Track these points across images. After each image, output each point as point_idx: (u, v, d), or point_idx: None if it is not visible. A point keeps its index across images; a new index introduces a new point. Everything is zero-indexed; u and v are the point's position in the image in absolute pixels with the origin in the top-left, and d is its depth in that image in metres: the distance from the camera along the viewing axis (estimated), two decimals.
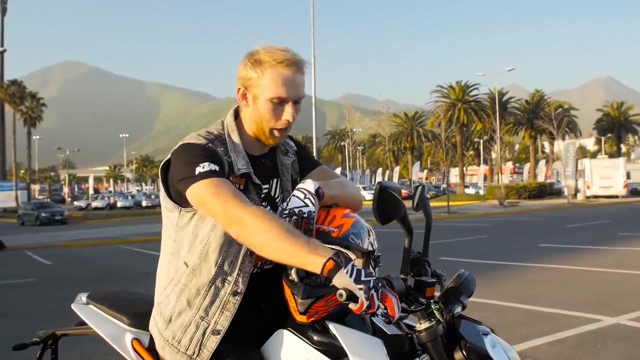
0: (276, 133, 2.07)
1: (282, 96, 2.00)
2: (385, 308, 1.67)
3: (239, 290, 2.03)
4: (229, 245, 2.01)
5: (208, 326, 2.01)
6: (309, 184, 1.97)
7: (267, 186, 2.16)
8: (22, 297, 10.21)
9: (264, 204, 2.12)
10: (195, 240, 2.04)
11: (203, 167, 1.91)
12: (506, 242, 16.83)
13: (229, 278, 2.03)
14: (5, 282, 12.19)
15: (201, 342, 2.01)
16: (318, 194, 1.96)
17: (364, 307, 1.63)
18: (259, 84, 2.02)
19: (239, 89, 2.09)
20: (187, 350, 2.02)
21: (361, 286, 1.64)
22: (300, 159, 2.31)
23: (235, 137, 2.10)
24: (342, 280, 1.67)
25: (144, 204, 60.61)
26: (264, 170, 2.16)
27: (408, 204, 2.01)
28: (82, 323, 2.48)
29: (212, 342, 2.00)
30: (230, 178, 2.01)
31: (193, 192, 1.92)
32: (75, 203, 72.35)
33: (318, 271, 1.72)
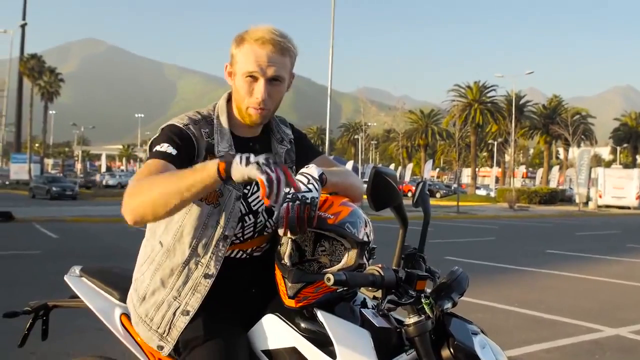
0: (251, 111, 2.04)
1: (251, 70, 1.98)
2: (288, 182, 1.65)
3: (210, 273, 2.03)
4: (204, 228, 2.03)
5: (179, 306, 2.03)
6: (312, 169, 1.94)
7: None
8: (25, 268, 10.27)
9: (248, 188, 2.09)
10: (172, 221, 2.05)
11: (161, 147, 1.94)
12: (513, 245, 16.75)
13: (202, 260, 2.03)
14: (11, 253, 12.30)
15: (171, 322, 2.03)
16: (321, 179, 1.92)
17: (265, 184, 1.60)
18: (237, 60, 2.03)
19: (226, 66, 2.10)
20: (158, 328, 2.04)
21: (252, 167, 1.63)
22: (299, 147, 2.28)
23: (224, 120, 2.09)
24: (236, 172, 1.66)
25: None
26: (253, 153, 2.13)
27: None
28: (76, 296, 2.48)
29: (182, 323, 2.02)
30: (209, 158, 2.00)
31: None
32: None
33: (217, 179, 1.70)
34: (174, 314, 2.02)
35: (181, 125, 2.00)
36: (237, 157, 1.67)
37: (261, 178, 1.61)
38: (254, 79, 2.00)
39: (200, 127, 2.03)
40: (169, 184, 1.76)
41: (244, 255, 2.12)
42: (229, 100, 2.15)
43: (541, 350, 5.69)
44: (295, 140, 2.28)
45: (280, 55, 2.00)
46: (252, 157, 1.66)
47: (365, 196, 2.11)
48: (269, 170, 1.62)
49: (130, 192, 1.83)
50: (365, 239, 1.93)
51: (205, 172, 1.71)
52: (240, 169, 1.65)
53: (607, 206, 42.89)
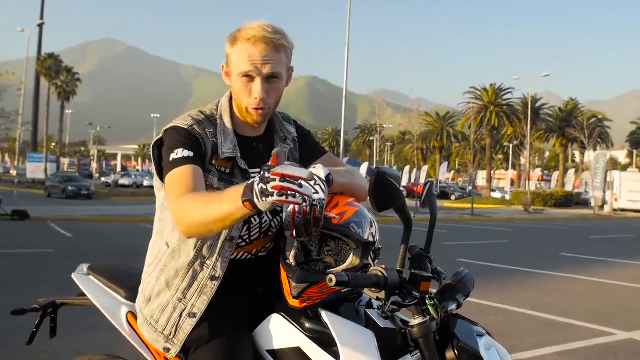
0: (251, 111, 2.02)
1: (246, 70, 1.96)
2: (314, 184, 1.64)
3: (217, 275, 2.02)
4: None
5: (185, 309, 2.01)
6: (319, 170, 1.89)
7: (256, 170, 2.09)
8: (39, 266, 10.35)
9: None
10: None
11: (177, 154, 1.91)
12: (527, 248, 16.62)
13: (208, 262, 2.02)
14: (25, 251, 12.38)
15: (177, 324, 2.01)
16: (328, 180, 1.89)
17: (290, 199, 1.53)
18: (232, 60, 2.01)
19: (223, 66, 2.08)
20: (164, 330, 2.03)
21: (269, 199, 1.55)
22: (303, 146, 2.26)
23: (227, 119, 2.07)
24: (262, 206, 1.59)
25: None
26: (257, 154, 2.11)
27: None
28: (83, 294, 2.49)
29: (188, 325, 2.00)
30: (214, 161, 2.00)
31: (166, 182, 1.92)
32: (103, 179, 73.11)
33: (253, 212, 1.64)
34: (180, 316, 2.01)
35: (186, 127, 1.98)
36: (255, 198, 1.58)
37: (283, 199, 1.53)
38: (250, 78, 1.98)
39: (205, 127, 2.01)
40: (209, 213, 1.72)
41: (250, 256, 2.11)
42: (231, 98, 2.12)
43: (553, 354, 5.64)
44: (298, 138, 2.26)
45: (274, 52, 1.97)
46: (257, 186, 1.57)
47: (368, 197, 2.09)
48: (288, 192, 1.52)
49: (178, 212, 1.82)
50: (371, 239, 1.92)
51: (237, 208, 1.65)
52: (263, 204, 1.58)
53: (623, 210, 42.44)
